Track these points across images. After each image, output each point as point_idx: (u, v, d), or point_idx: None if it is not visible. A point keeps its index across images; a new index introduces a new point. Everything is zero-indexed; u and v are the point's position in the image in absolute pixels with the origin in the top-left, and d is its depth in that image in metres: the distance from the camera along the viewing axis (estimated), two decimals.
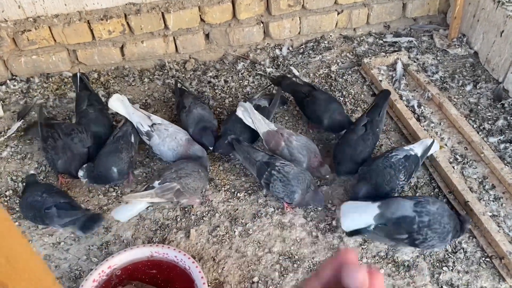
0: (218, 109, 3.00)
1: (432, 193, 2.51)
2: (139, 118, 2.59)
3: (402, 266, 2.21)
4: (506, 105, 2.91)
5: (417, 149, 2.44)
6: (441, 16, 3.54)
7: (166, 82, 3.18)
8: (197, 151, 2.50)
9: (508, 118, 2.83)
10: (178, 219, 2.43)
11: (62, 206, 2.24)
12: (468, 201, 2.36)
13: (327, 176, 2.52)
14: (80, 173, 2.40)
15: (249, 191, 2.54)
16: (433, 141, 2.48)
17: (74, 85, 2.85)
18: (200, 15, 3.16)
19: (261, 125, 2.55)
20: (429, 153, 2.49)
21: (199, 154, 2.49)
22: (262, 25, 3.30)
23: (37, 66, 3.13)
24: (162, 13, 3.08)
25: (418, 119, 2.82)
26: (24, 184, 2.51)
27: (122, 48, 3.18)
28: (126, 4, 3.03)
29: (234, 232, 2.37)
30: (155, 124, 2.58)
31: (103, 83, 3.17)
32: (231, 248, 2.31)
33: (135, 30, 3.11)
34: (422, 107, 2.91)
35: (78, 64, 3.21)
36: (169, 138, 2.53)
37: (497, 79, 3.06)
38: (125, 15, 3.05)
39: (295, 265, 2.23)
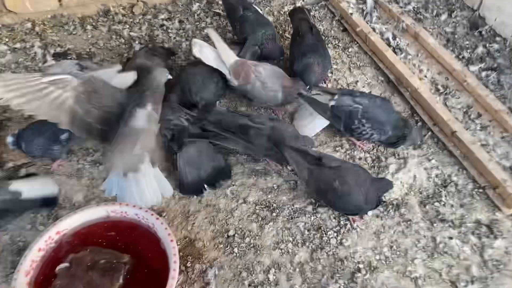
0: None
1: (415, 126, 2.31)
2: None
3: (391, 205, 2.01)
4: (483, 32, 2.72)
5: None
6: None
7: (113, 29, 2.80)
8: None
9: (487, 45, 2.65)
10: None
11: None
12: (455, 131, 2.17)
13: (305, 91, 2.23)
14: None
15: None
16: None
17: None
18: None
19: (228, 56, 2.24)
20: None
21: None
22: None
23: None
24: None
25: (394, 52, 2.59)
26: None
27: None
28: None
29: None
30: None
31: (39, 33, 2.76)
32: (201, 202, 2.03)
33: None
34: (397, 39, 2.69)
35: (7, 13, 2.77)
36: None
37: (471, 6, 2.87)
38: None
39: (274, 214, 1.98)
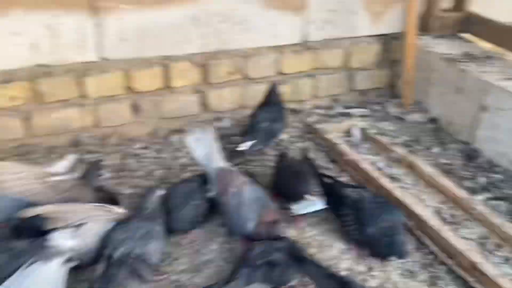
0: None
1: (425, 260, 1.94)
2: None
3: None
4: (481, 163, 2.55)
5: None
6: (390, 89, 3.34)
7: (82, 158, 2.56)
8: None
9: (489, 175, 2.45)
10: None
11: None
12: (476, 263, 1.79)
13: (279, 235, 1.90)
14: None
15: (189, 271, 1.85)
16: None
17: None
18: (126, 81, 2.71)
19: (217, 159, 2.04)
20: None
21: None
22: (199, 94, 2.89)
23: None
24: (80, 77, 2.61)
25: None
26: None
27: (27, 120, 2.60)
28: (34, 65, 2.54)
29: None
30: None
31: None
32: None
33: (44, 97, 2.57)
34: (390, 168, 2.48)
35: None
36: None
37: (464, 140, 2.75)
38: (33, 79, 2.54)
39: None
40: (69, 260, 1.69)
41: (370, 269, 1.89)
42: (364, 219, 1.89)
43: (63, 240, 1.72)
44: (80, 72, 2.60)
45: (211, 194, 2.02)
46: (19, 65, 2.51)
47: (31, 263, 1.62)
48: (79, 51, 2.58)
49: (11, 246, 1.71)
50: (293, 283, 1.73)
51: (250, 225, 1.89)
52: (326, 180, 2.15)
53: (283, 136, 2.82)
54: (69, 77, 2.58)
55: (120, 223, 1.82)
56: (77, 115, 2.67)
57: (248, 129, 2.55)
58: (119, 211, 1.90)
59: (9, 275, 1.65)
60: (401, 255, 1.87)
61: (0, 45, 2.42)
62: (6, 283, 1.58)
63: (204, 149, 2.09)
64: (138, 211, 1.89)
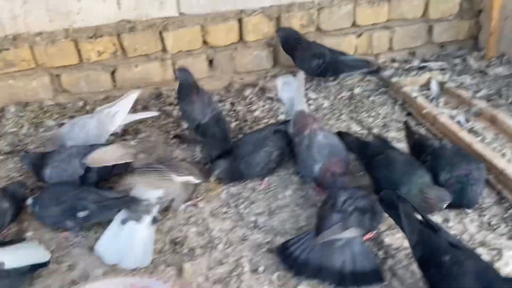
0: None
1: (505, 214, 1.89)
2: None
3: None
4: None
5: None
6: (471, 42, 3.17)
7: (163, 109, 2.72)
8: None
9: None
10: (167, 253, 1.80)
11: None
12: None
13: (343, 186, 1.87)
14: None
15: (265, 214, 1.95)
16: None
17: None
18: (202, 36, 2.80)
19: (300, 103, 2.17)
20: None
21: None
22: (272, 49, 2.92)
23: (13, 94, 2.70)
24: (160, 32, 2.73)
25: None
26: None
27: (113, 73, 2.78)
28: (119, 21, 2.69)
29: (243, 267, 1.72)
30: None
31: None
32: None
33: (128, 52, 2.73)
34: (470, 121, 2.40)
35: (62, 92, 2.78)
36: None
37: None
38: (118, 34, 2.70)
39: None
40: (154, 221, 1.83)
41: (446, 220, 1.89)
42: (440, 167, 1.85)
43: (150, 192, 1.86)
44: (160, 27, 2.72)
45: (290, 130, 2.12)
46: (106, 22, 2.67)
47: (124, 221, 1.79)
48: (159, 6, 2.69)
49: (105, 195, 1.87)
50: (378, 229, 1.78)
51: (316, 168, 1.93)
52: (411, 129, 2.18)
53: (357, 90, 2.80)
54: (151, 32, 2.72)
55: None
56: (158, 69, 2.82)
57: (340, 63, 2.78)
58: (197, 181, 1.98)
59: (99, 222, 1.88)
60: (470, 203, 1.84)
61: (90, 2, 2.59)
62: (105, 239, 1.77)
63: (290, 92, 2.22)
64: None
